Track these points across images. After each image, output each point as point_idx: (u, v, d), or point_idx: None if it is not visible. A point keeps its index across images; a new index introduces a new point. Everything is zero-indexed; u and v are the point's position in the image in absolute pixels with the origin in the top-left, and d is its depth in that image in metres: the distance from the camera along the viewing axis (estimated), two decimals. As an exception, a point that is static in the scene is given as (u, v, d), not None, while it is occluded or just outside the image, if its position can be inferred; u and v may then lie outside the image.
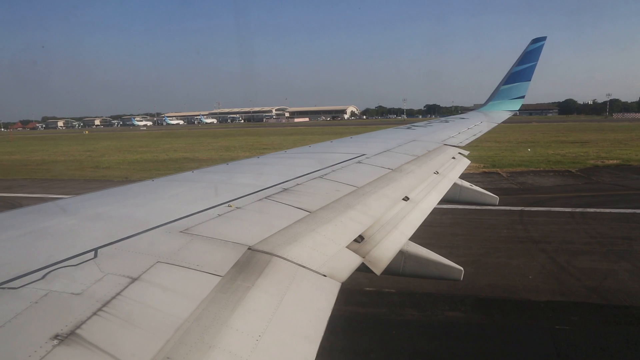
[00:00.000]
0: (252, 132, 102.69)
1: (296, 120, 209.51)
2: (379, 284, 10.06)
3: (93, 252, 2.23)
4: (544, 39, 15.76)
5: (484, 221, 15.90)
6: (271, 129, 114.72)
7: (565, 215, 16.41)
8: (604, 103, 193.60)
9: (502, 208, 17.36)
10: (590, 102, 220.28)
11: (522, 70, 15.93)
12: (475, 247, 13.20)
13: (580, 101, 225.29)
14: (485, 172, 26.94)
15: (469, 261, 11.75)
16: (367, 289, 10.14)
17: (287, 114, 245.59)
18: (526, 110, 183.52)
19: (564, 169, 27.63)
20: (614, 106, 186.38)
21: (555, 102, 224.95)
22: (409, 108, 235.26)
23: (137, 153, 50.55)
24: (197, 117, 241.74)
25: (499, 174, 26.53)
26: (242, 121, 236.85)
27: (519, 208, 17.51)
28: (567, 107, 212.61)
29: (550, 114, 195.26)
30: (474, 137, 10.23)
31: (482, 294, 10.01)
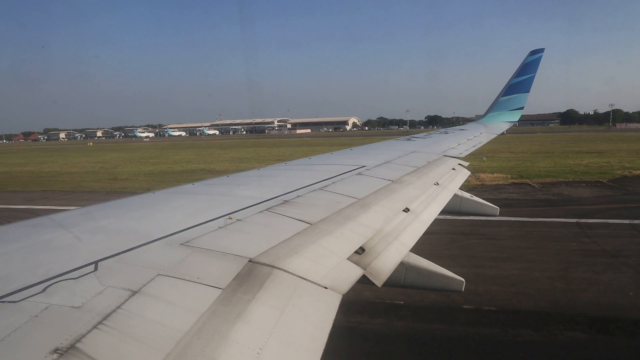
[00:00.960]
0: (259, 143, 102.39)
1: (298, 131, 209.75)
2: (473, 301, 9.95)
3: (93, 265, 2.23)
4: (542, 50, 15.89)
5: (546, 234, 15.59)
6: (277, 140, 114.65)
7: (627, 227, 16.08)
8: (606, 113, 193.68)
9: (555, 220, 17.28)
10: (592, 113, 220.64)
11: (520, 82, 16.03)
12: (553, 261, 12.76)
13: (581, 111, 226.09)
14: (515, 183, 26.62)
15: (557, 276, 11.43)
16: (467, 306, 9.97)
17: (289, 125, 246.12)
18: (527, 120, 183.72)
19: (594, 179, 27.21)
20: (616, 116, 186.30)
21: (556, 113, 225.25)
22: (410, 119, 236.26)
23: (150, 164, 50.43)
24: (199, 128, 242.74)
25: (530, 184, 26.19)
26: (244, 132, 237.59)
27: (574, 220, 17.19)
28: (569, 118, 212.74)
29: (552, 125, 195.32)
30: (474, 148, 10.25)
31: (591, 312, 9.56)
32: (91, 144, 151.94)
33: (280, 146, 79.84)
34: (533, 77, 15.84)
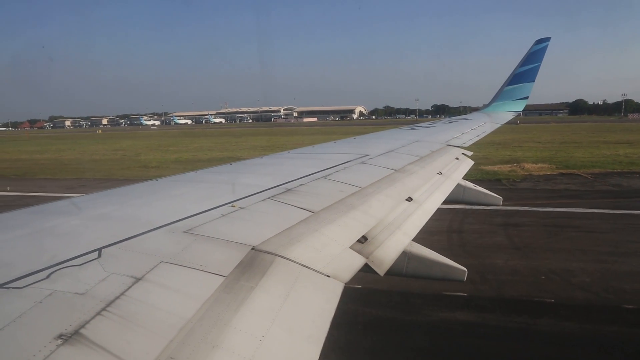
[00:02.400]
0: (272, 131, 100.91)
1: (305, 120, 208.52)
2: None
3: (97, 252, 2.24)
4: (548, 39, 15.70)
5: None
6: (290, 129, 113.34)
7: None
8: (615, 103, 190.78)
9: (633, 212, 17.11)
10: (601, 103, 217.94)
11: (526, 71, 15.88)
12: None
13: (589, 101, 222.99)
14: (563, 174, 26.34)
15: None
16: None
17: (295, 114, 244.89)
18: (536, 110, 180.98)
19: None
20: (627, 106, 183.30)
21: (564, 103, 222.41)
22: (416, 108, 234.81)
23: (172, 152, 49.74)
24: (205, 116, 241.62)
25: (580, 175, 25.90)
26: (250, 121, 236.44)
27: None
28: (578, 107, 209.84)
29: (560, 114, 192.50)
30: (478, 138, 10.19)
31: None
32: (100, 131, 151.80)
33: (295, 134, 78.51)
34: (538, 67, 15.68)
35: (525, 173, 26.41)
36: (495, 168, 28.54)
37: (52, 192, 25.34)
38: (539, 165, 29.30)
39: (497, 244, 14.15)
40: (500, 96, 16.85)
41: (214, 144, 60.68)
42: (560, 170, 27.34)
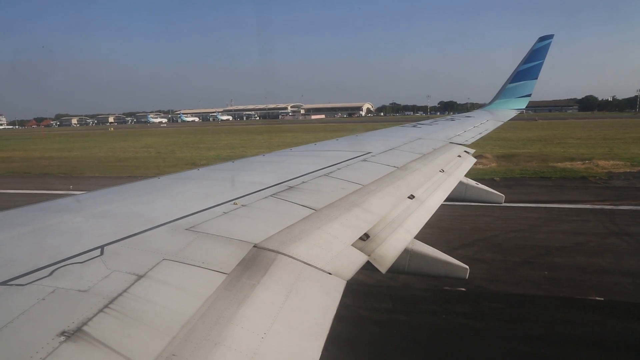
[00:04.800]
0: (286, 128, 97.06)
1: (313, 117, 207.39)
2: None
3: (99, 249, 2.24)
4: (551, 37, 15.64)
5: None
6: (303, 126, 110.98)
7: None
8: (627, 99, 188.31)
9: None
10: (610, 99, 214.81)
11: (528, 69, 15.82)
12: None
13: (598, 97, 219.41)
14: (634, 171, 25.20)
15: None
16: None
17: (302, 111, 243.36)
18: (545, 107, 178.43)
19: None
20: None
21: (573, 99, 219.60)
22: (423, 105, 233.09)
23: (205, 149, 47.88)
24: (213, 114, 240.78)
25: None
26: (257, 118, 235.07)
27: None
28: (588, 104, 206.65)
29: (570, 111, 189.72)
30: (480, 136, 10.17)
31: None
32: (112, 129, 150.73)
33: (316, 131, 75.79)
34: (541, 64, 15.62)
35: (603, 170, 25.45)
36: (565, 165, 27.73)
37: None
38: (611, 162, 28.16)
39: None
40: (502, 94, 16.80)
41: (241, 141, 58.79)
42: (638, 168, 26.10)
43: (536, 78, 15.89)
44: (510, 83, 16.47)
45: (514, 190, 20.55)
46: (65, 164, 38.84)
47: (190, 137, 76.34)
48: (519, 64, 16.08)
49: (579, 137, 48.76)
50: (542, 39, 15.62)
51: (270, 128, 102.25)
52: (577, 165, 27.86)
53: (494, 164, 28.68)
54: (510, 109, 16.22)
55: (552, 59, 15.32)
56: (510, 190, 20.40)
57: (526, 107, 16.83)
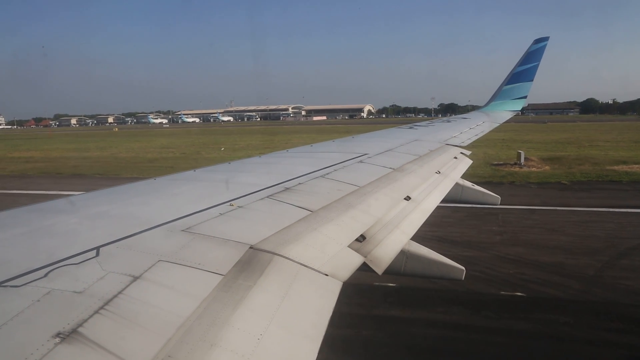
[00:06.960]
0: (291, 129, 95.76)
1: (314, 118, 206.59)
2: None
3: (95, 250, 2.23)
4: (546, 39, 15.72)
5: None
6: (308, 127, 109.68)
7: None
8: (628, 102, 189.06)
9: None
10: (611, 102, 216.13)
11: (524, 71, 15.89)
12: None
13: (599, 100, 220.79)
14: None
15: None
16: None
17: (303, 112, 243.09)
18: (546, 109, 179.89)
19: None
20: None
21: (573, 102, 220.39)
22: (423, 107, 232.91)
23: (231, 150, 47.02)
24: (213, 114, 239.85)
25: None
26: (258, 119, 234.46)
27: None
28: (589, 106, 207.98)
29: (571, 113, 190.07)
30: (476, 137, 10.20)
31: None
32: (116, 129, 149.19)
33: (328, 132, 73.84)
34: (537, 66, 15.69)
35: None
36: (623, 168, 27.43)
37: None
38: None
39: None
40: (498, 95, 16.87)
41: (259, 142, 57.86)
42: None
43: (532, 80, 15.97)
44: (506, 85, 16.55)
45: (595, 194, 20.52)
46: (92, 164, 38.38)
47: (204, 137, 75.55)
48: (515, 65, 16.15)
49: (605, 139, 48.63)
50: (537, 41, 15.70)
51: (277, 129, 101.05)
52: (636, 168, 27.75)
53: (546, 167, 28.64)
54: (506, 111, 16.29)
55: (550, 61, 15.38)
56: (592, 194, 20.61)
57: (522, 109, 16.88)
